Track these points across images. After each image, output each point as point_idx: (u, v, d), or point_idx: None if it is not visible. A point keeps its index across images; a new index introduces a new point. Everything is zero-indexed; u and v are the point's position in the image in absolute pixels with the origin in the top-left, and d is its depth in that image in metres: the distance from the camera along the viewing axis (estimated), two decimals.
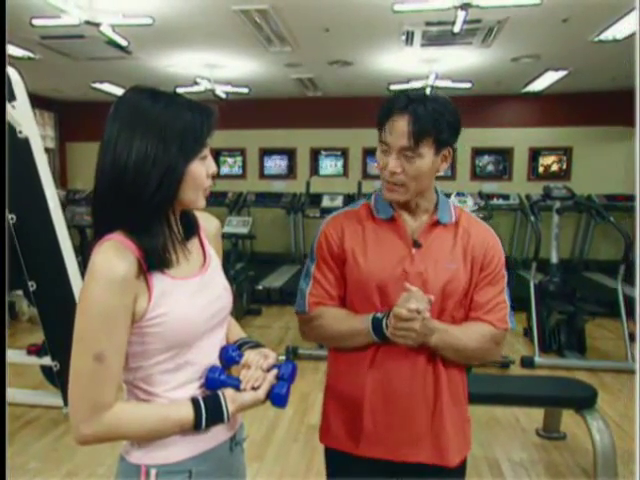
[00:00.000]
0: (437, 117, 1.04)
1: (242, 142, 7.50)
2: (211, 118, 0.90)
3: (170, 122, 0.86)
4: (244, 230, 5.19)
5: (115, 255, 0.84)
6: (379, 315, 1.08)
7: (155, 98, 0.88)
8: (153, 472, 0.91)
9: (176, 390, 0.91)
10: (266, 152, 7.56)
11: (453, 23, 3.73)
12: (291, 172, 7.54)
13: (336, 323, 1.14)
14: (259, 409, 0.96)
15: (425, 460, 1.11)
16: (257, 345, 1.02)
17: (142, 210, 0.86)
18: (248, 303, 5.31)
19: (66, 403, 3.04)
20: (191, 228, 0.98)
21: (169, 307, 0.88)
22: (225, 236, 5.25)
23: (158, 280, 0.88)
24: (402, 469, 1.10)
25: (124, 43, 3.78)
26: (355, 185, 6.67)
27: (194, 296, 0.92)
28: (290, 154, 7.52)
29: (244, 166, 7.64)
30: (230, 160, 7.69)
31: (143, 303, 0.86)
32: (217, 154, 7.61)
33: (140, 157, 0.84)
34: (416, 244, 1.12)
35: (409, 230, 1.14)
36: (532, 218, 4.21)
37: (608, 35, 4.34)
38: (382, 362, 1.11)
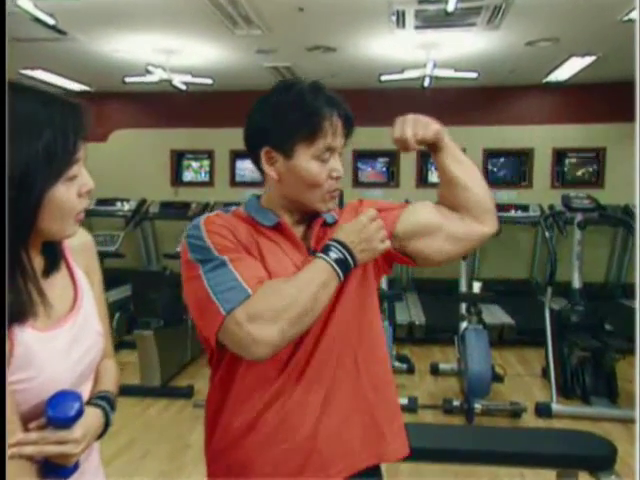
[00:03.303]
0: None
1: (210, 143, 7.47)
2: (80, 120, 0.78)
3: (22, 127, 0.72)
4: None
5: None
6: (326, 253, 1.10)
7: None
8: None
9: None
10: (238, 155, 7.49)
11: (447, 1, 3.73)
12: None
13: (294, 288, 1.04)
14: None
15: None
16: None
17: None
18: None
19: None
20: (55, 257, 0.90)
21: (36, 370, 0.82)
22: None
23: (20, 335, 0.80)
24: None
25: (51, 21, 3.76)
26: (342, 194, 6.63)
27: (65, 352, 0.87)
28: None
29: (211, 172, 7.57)
30: (195, 164, 7.65)
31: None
32: (180, 156, 7.60)
33: None
34: (312, 252, 1.17)
35: (298, 236, 1.21)
36: (547, 234, 4.15)
37: None
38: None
